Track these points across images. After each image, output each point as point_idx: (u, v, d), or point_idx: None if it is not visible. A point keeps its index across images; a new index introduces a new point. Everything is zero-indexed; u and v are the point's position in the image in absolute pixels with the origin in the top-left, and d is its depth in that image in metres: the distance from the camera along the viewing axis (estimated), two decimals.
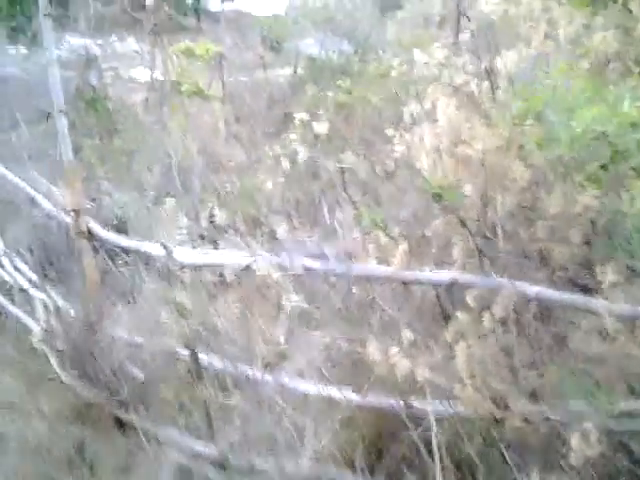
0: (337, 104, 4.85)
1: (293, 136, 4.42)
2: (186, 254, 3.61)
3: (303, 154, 3.71)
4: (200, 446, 3.37)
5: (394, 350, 2.55)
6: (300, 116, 4.13)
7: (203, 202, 5.09)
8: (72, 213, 4.02)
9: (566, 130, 2.27)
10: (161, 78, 8.20)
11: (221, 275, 4.01)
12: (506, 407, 2.63)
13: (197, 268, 3.73)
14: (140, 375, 3.72)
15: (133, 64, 9.94)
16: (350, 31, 9.84)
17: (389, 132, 2.83)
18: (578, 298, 2.65)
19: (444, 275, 2.91)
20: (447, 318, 3.29)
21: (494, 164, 2.42)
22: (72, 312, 4.00)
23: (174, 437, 3.47)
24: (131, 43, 11.20)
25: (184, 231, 4.60)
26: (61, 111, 4.04)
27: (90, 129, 7.28)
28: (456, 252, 2.65)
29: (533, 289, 2.69)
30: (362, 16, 10.42)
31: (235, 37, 10.33)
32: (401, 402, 3.01)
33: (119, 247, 4.09)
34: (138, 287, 4.19)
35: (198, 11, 13.21)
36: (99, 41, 9.92)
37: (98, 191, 5.55)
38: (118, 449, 3.48)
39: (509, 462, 2.90)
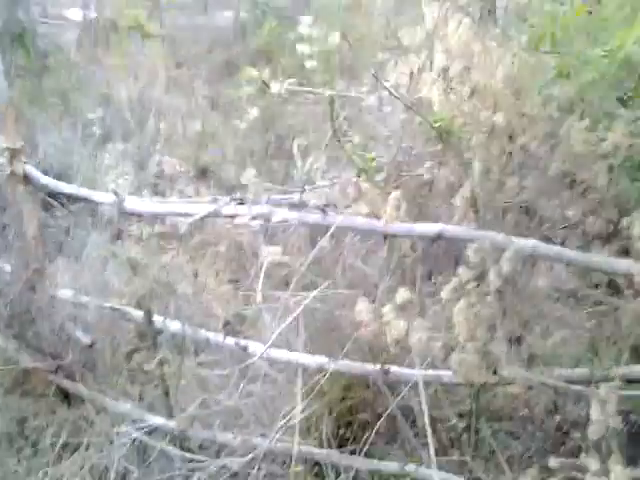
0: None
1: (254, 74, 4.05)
2: (139, 203, 3.22)
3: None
4: (156, 419, 3.05)
5: (387, 309, 2.25)
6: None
7: (148, 149, 4.69)
8: (6, 153, 3.55)
9: (595, 56, 1.98)
10: (94, 15, 7.69)
11: (175, 227, 3.68)
12: (495, 372, 2.38)
13: (153, 218, 3.35)
14: (85, 338, 3.35)
15: (63, 2, 9.30)
16: None
17: (380, 57, 2.46)
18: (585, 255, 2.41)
19: (430, 227, 2.63)
20: (430, 275, 3.04)
21: (510, 95, 2.12)
22: (8, 267, 3.58)
23: (126, 409, 3.14)
24: None
25: (128, 179, 4.23)
26: None
27: (19, 68, 6.72)
28: (459, 201, 2.34)
29: (529, 243, 2.43)
30: None
31: None
32: (379, 367, 2.75)
33: (61, 195, 3.66)
34: (82, 240, 3.80)
35: None
36: None
37: (31, 134, 5.06)
38: (63, 423, 3.13)
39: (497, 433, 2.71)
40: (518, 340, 2.36)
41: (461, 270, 2.26)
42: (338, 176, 3.06)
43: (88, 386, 3.26)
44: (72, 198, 3.78)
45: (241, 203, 3.05)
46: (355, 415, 2.89)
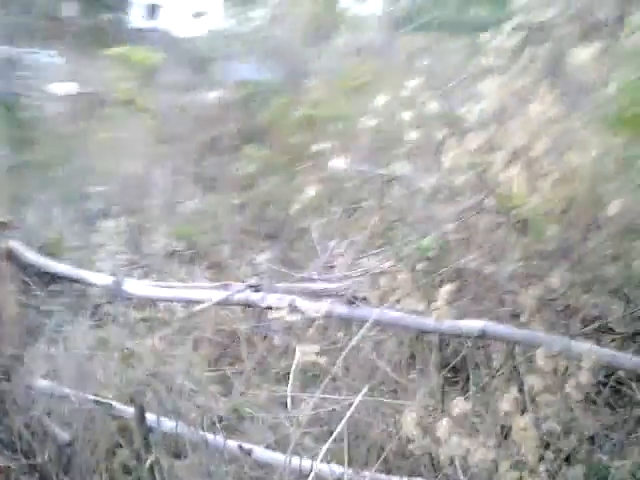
0: (304, 119, 4.21)
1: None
2: (140, 287, 2.89)
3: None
4: None
5: (443, 424, 1.91)
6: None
7: (140, 227, 4.37)
8: None
9: None
10: (84, 90, 7.51)
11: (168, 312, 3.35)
12: None
13: (146, 302, 3.02)
14: (63, 435, 2.94)
15: (49, 77, 9.13)
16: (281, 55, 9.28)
17: (438, 135, 2.19)
18: None
19: (474, 324, 2.35)
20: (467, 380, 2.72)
21: (598, 182, 1.86)
22: None
23: None
24: (44, 55, 10.33)
25: (120, 258, 3.92)
26: None
27: (6, 141, 6.46)
28: (529, 299, 2.04)
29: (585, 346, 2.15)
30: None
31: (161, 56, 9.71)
32: None
33: (48, 274, 3.30)
34: (64, 324, 3.41)
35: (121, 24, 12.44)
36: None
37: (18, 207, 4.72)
38: None
39: None
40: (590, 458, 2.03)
41: (531, 378, 1.94)
42: (358, 263, 2.81)
43: None
44: (59, 278, 3.43)
45: (257, 290, 2.77)
46: None
